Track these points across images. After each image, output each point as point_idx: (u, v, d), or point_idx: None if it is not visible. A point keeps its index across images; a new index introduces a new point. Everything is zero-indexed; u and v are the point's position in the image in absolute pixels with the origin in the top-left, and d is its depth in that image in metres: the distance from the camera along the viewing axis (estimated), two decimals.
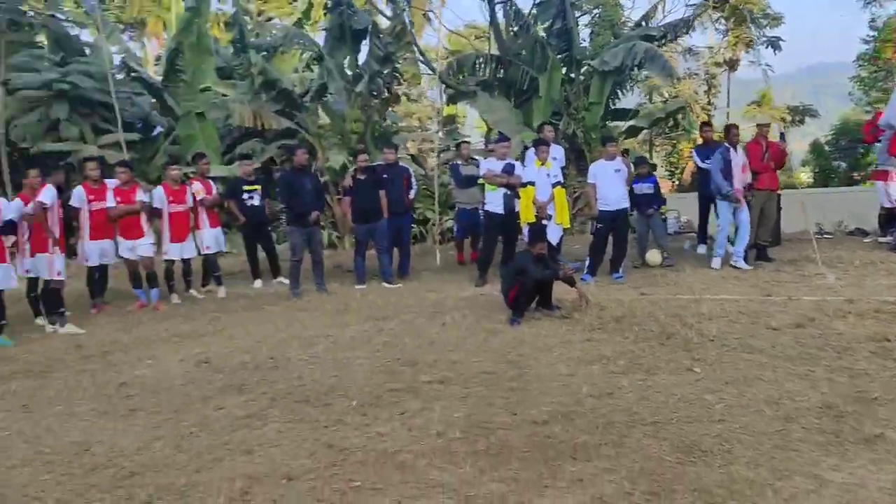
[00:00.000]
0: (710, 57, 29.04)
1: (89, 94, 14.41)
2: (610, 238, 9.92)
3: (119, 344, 7.69)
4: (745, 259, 9.95)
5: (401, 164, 10.85)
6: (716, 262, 10.05)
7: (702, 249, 11.43)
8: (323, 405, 5.45)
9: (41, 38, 17.52)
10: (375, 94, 13.87)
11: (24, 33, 16.30)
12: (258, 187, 10.57)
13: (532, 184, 9.91)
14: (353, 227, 10.22)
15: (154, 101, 16.15)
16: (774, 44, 25.91)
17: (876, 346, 6.15)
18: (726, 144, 10.07)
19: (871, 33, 28.38)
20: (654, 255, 10.49)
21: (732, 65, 29.22)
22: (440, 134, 17.37)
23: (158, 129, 16.69)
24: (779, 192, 11.34)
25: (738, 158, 9.96)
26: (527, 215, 9.94)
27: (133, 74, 15.36)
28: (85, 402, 5.85)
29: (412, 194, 10.80)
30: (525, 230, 10.15)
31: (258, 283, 10.74)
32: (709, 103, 30.02)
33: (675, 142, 28.26)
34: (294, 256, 9.59)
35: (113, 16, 25.70)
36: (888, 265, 9.49)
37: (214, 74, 16.81)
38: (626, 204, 9.84)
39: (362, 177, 10.00)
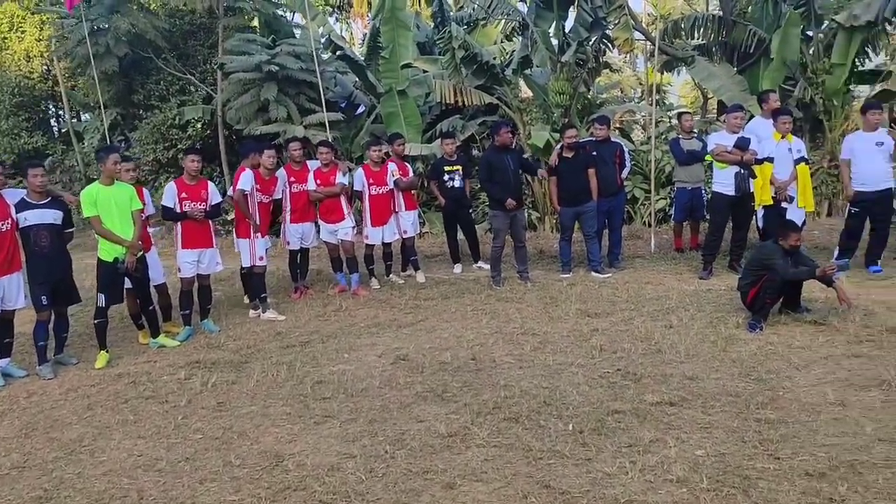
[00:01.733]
0: None
1: (296, 75, 14.51)
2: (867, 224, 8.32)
3: (318, 334, 7.37)
4: None
5: (612, 139, 9.77)
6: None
7: None
8: (535, 426, 4.68)
9: (254, 23, 18.08)
10: (582, 63, 12.79)
11: (239, 18, 16.83)
12: (459, 167, 9.95)
13: (770, 160, 8.51)
14: (559, 210, 9.33)
15: (357, 79, 16.08)
16: None
17: None
18: None
19: None
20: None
21: None
22: (649, 104, 15.92)
23: (362, 108, 16.61)
24: None
25: None
26: (764, 197, 8.57)
27: (338, 53, 15.33)
28: (280, 401, 5.49)
29: (625, 173, 9.69)
30: (760, 214, 8.81)
31: (458, 268, 10.17)
32: None
33: None
34: (496, 241, 8.87)
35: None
36: None
37: (415, 50, 16.47)
38: (890, 183, 8.16)
39: (569, 154, 9.06)
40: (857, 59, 12.89)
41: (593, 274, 9.15)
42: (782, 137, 8.56)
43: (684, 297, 7.70)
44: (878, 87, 13.58)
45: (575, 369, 5.75)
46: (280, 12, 17.99)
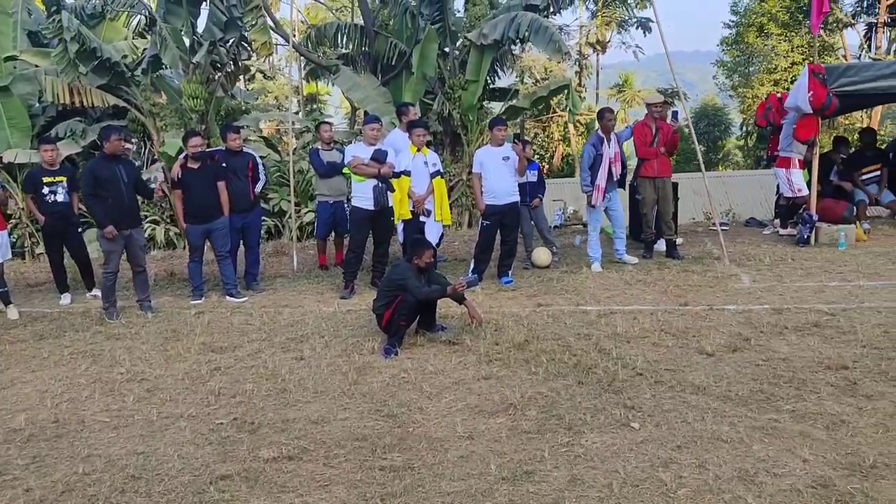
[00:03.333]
0: (582, 37, 28.35)
1: None
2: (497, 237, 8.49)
3: None
4: (650, 250, 8.84)
5: (245, 150, 8.93)
6: (596, 267, 8.83)
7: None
8: None
9: None
10: (219, 66, 11.78)
11: None
12: (63, 178, 8.37)
13: (407, 173, 8.32)
14: (185, 228, 8.26)
15: None
16: (645, 25, 25.46)
17: (836, 378, 5.00)
18: (599, 134, 8.83)
19: (733, 18, 28.67)
20: (542, 255, 9.11)
21: (603, 47, 28.71)
22: (300, 114, 15.37)
23: None
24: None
25: (611, 149, 8.72)
26: (402, 211, 8.35)
27: None
28: None
29: (259, 186, 8.87)
30: (399, 229, 8.58)
31: (66, 299, 8.56)
32: (580, 85, 29.41)
33: (545, 124, 27.41)
34: (107, 267, 7.52)
35: None
36: (801, 262, 8.59)
37: (23, 40, 14.08)
38: (515, 197, 8.40)
39: (195, 165, 8.04)
40: (489, 77, 13.59)
41: (227, 299, 8.21)
42: (418, 150, 8.42)
43: (322, 322, 7.10)
44: (507, 104, 14.52)
45: (184, 423, 4.79)
46: None
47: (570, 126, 27.03)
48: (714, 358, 5.54)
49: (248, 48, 12.59)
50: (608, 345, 5.92)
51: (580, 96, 28.45)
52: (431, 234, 8.50)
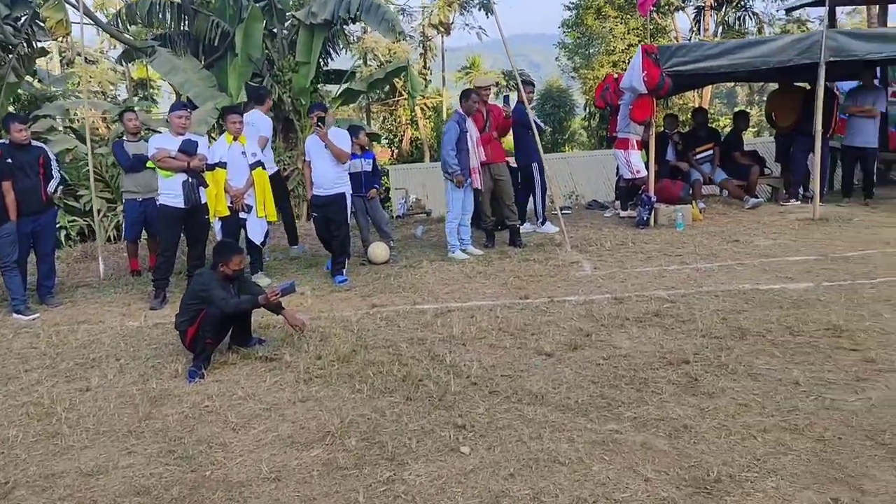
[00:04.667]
0: (424, 18, 27.90)
1: None
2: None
3: None
4: (492, 239, 8.46)
5: (34, 143, 7.73)
6: (458, 255, 8.40)
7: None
8: None
9: None
10: (10, 47, 10.30)
11: None
12: None
13: (222, 165, 7.47)
14: None
15: None
16: (487, 6, 25.30)
17: (678, 375, 4.70)
18: (460, 112, 8.41)
19: (573, 0, 29.09)
20: (378, 250, 8.47)
21: (447, 28, 28.38)
22: (129, 102, 13.95)
23: None
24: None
25: (475, 130, 8.37)
26: (219, 207, 7.50)
27: None
28: None
29: (53, 185, 7.70)
30: (217, 228, 7.71)
31: None
32: (425, 67, 28.97)
33: (392, 108, 26.80)
34: None
35: None
36: (641, 246, 8.45)
37: None
38: (340, 188, 7.75)
39: None
40: (322, 58, 12.80)
41: (14, 317, 7.08)
42: (234, 139, 7.59)
43: (121, 340, 6.17)
44: (343, 87, 13.78)
45: None
46: None
47: (418, 109, 26.58)
48: (553, 359, 5.14)
49: (42, 26, 11.16)
50: (442, 350, 5.40)
51: (425, 79, 28.08)
52: (254, 231, 7.73)
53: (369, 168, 8.61)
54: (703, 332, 5.46)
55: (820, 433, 3.82)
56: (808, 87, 10.22)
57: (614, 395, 4.47)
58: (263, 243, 7.96)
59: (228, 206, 7.53)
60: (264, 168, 7.87)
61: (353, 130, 8.46)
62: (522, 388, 4.65)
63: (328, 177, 7.61)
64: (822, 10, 9.56)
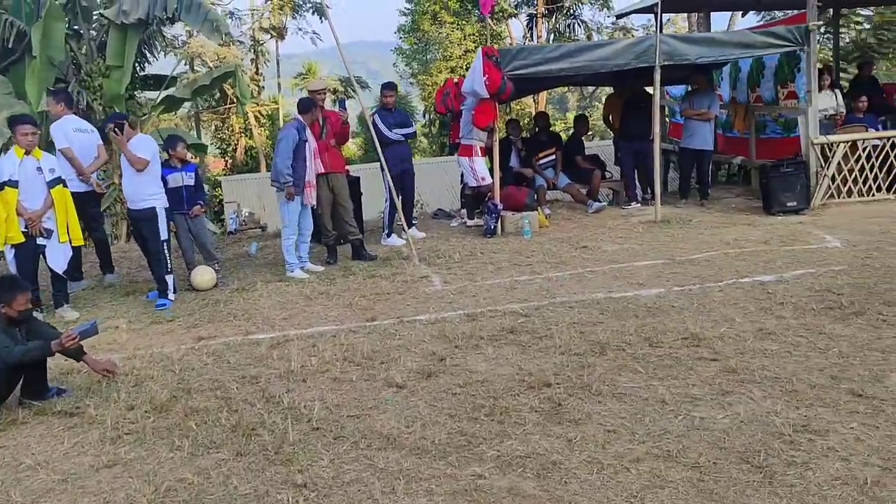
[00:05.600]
0: (255, 21, 26.63)
1: None
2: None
3: None
4: (334, 254, 7.88)
5: None
6: (297, 274, 7.72)
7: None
8: None
9: None
10: None
11: None
12: None
13: (13, 184, 6.41)
14: None
15: None
16: (321, 11, 24.52)
17: (540, 400, 4.32)
18: (300, 119, 7.77)
19: (408, 6, 28.89)
20: (202, 276, 7.49)
21: (280, 33, 27.29)
22: None
23: None
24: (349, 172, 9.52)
25: (314, 140, 7.77)
26: (11, 233, 6.43)
27: None
28: None
29: None
30: (10, 257, 6.62)
31: None
32: (257, 72, 27.73)
33: (224, 116, 25.42)
34: None
35: None
36: (490, 256, 8.12)
37: None
38: (149, 202, 6.91)
39: None
40: (137, 63, 11.64)
41: None
42: (27, 153, 6.55)
43: None
44: (163, 94, 12.64)
45: None
46: None
47: (252, 117, 25.38)
48: (406, 391, 4.61)
49: None
50: (279, 389, 4.74)
51: (258, 85, 26.91)
52: (55, 259, 6.70)
53: (191, 182, 7.75)
54: (562, 348, 5.13)
55: (694, 459, 3.53)
56: (632, 91, 10.41)
57: (474, 429, 4.00)
58: (67, 272, 6.93)
59: (23, 231, 6.47)
60: (65, 185, 6.85)
61: (171, 142, 7.64)
62: (372, 429, 4.09)
63: (136, 190, 6.82)
64: (647, 18, 9.72)
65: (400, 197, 8.60)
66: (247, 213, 11.64)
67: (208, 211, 17.79)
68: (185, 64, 24.83)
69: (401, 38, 29.70)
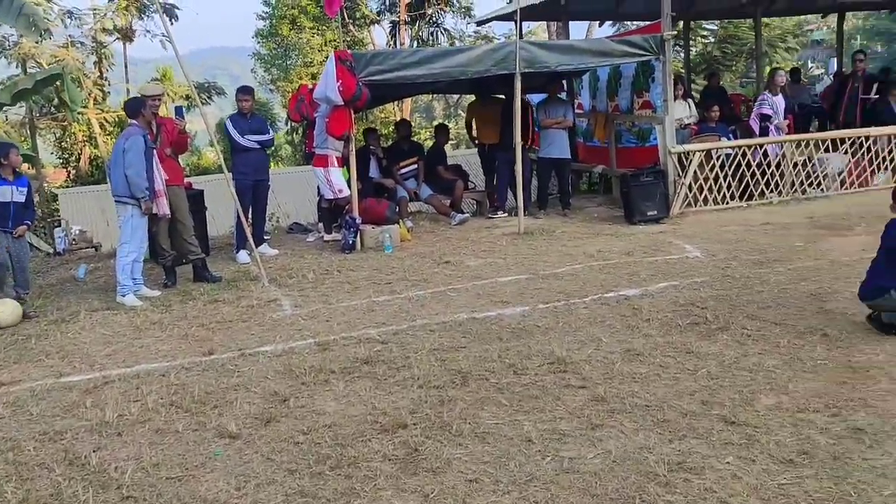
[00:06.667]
0: (96, 22, 24.68)
1: None
2: None
3: None
4: (172, 276, 7.03)
5: None
6: (129, 300, 6.87)
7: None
8: None
9: None
10: None
11: None
12: None
13: None
14: None
15: None
16: (170, 13, 23.07)
17: (394, 446, 3.81)
18: (138, 124, 6.98)
19: (266, 9, 27.77)
20: (4, 311, 6.51)
21: (127, 35, 25.45)
22: None
23: None
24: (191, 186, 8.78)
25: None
26: None
27: None
28: None
29: None
30: None
31: None
32: (101, 76, 25.77)
33: (65, 123, 23.44)
34: None
35: None
36: (348, 274, 7.56)
37: None
38: None
39: None
40: None
41: None
42: None
43: None
44: None
45: None
46: None
47: (96, 124, 23.55)
48: (240, 441, 3.98)
49: None
50: (87, 446, 3.99)
51: (101, 90, 25.06)
52: None
53: (22, 199, 6.81)
54: (420, 380, 4.65)
55: None
56: (504, 98, 10.13)
57: (317, 489, 3.44)
58: None
59: None
60: None
61: (2, 149, 6.68)
62: (195, 495, 3.45)
63: None
64: (509, 28, 9.51)
65: (251, 210, 7.91)
66: (77, 231, 10.48)
67: (46, 227, 16.26)
68: (16, 66, 22.76)
69: (259, 42, 28.55)
